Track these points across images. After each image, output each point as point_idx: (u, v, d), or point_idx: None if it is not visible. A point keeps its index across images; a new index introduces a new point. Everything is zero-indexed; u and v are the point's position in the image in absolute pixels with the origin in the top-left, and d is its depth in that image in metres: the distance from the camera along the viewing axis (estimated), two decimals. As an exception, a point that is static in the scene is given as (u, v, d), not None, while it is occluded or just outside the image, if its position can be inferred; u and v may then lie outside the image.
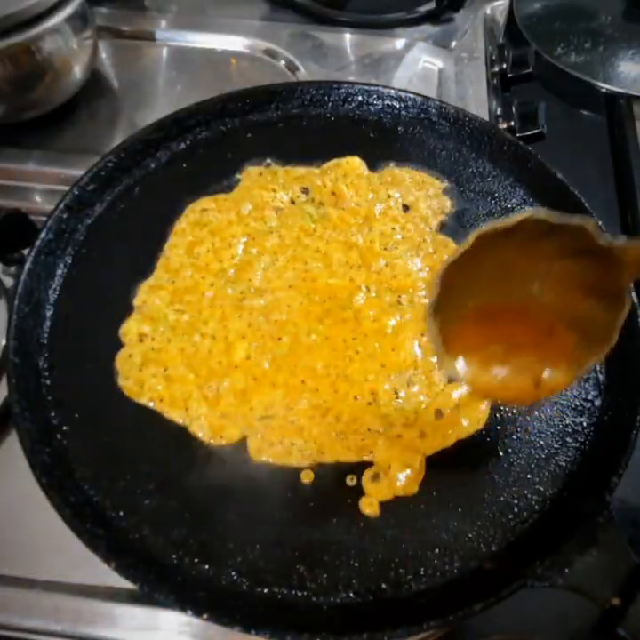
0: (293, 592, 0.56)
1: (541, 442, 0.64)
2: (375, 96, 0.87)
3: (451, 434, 0.64)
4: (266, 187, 0.79)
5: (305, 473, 0.62)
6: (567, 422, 0.65)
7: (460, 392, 0.66)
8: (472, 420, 0.65)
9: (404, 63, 1.10)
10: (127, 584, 0.53)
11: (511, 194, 0.81)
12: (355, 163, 0.82)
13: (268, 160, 0.82)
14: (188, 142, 0.83)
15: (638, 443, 0.61)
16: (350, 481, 0.62)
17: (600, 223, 0.49)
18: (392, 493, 0.61)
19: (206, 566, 0.57)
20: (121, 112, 1.03)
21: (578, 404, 0.66)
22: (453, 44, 1.14)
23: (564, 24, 1.14)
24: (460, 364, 0.49)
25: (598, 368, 0.68)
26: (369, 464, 0.62)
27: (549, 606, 0.64)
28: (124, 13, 1.15)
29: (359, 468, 0.62)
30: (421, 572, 0.57)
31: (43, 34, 0.84)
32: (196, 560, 0.57)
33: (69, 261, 0.73)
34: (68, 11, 0.86)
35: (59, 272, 0.72)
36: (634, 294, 0.68)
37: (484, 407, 0.66)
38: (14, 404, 0.61)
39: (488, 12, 1.19)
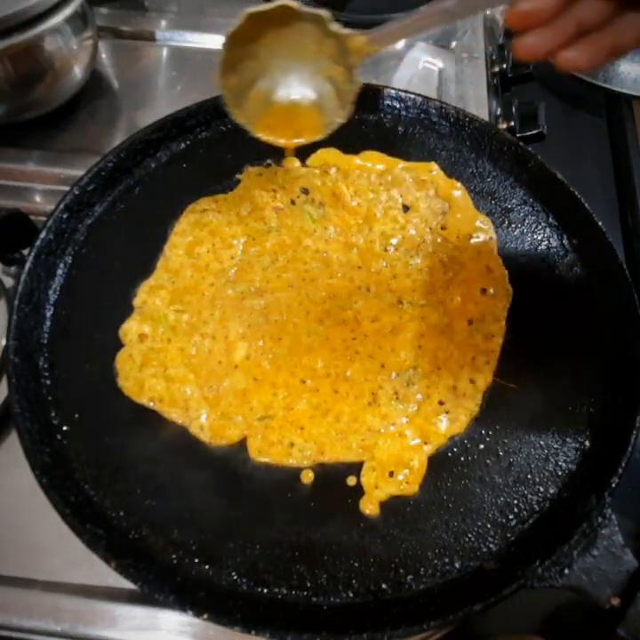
0: (293, 592, 0.56)
1: (541, 442, 0.64)
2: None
3: (446, 433, 0.64)
4: (266, 187, 0.79)
5: (305, 473, 0.62)
6: (567, 422, 0.65)
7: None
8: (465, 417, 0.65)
9: (404, 63, 1.10)
10: (127, 584, 0.53)
11: (511, 194, 0.81)
12: (355, 163, 0.82)
13: (268, 160, 0.82)
14: (187, 142, 0.83)
15: (638, 443, 0.61)
16: (350, 481, 0.62)
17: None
18: (392, 493, 0.61)
19: (206, 566, 0.57)
20: (121, 112, 1.03)
21: (578, 404, 0.66)
22: (453, 44, 1.13)
23: (564, 24, 1.14)
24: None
25: (599, 369, 0.68)
26: (369, 464, 0.63)
27: (549, 606, 0.64)
28: (124, 13, 1.14)
29: (359, 467, 0.62)
30: (421, 572, 0.57)
31: (43, 34, 0.84)
32: (196, 560, 0.57)
33: (69, 261, 0.73)
34: (67, 11, 0.86)
35: (59, 272, 0.72)
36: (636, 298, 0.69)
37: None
38: (14, 404, 0.61)
39: (488, 12, 1.19)
